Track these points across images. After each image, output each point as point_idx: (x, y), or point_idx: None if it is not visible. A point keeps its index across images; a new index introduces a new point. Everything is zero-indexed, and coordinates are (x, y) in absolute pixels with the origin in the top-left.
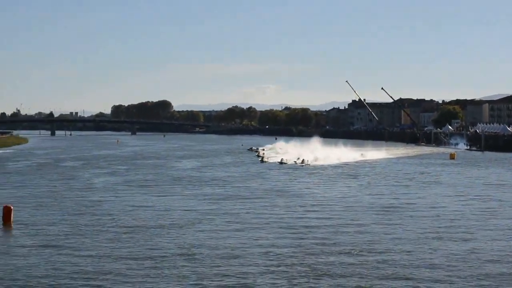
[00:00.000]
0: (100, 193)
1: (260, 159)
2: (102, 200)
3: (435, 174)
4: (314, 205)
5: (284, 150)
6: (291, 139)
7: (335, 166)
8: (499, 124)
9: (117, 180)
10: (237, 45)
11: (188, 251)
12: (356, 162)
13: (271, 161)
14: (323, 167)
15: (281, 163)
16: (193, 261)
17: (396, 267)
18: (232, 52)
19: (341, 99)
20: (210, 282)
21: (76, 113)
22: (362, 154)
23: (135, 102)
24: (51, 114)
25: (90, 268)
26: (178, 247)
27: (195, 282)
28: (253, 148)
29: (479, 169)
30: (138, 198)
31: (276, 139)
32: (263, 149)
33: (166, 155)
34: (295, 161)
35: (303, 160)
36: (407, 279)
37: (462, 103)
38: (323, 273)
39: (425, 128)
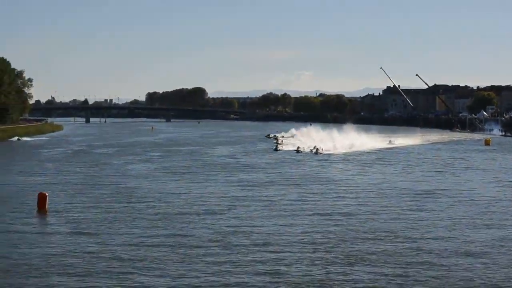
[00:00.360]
0: (135, 180)
1: (274, 147)
2: (137, 187)
3: (470, 160)
4: (348, 191)
5: (307, 137)
6: (325, 126)
7: (359, 154)
8: None
9: (151, 167)
10: (272, 31)
11: (223, 237)
12: (384, 149)
13: (287, 149)
14: (346, 155)
15: (297, 151)
16: (228, 248)
17: (431, 254)
18: (267, 39)
19: (376, 85)
20: (244, 268)
21: (111, 100)
22: (390, 141)
23: (170, 89)
24: (85, 101)
25: (124, 255)
26: (213, 234)
27: (230, 269)
28: (271, 135)
29: None
30: (172, 185)
31: (310, 124)
32: (282, 136)
33: (200, 142)
34: (311, 150)
35: (317, 149)
36: (442, 266)
37: (497, 89)
38: (358, 260)
39: (460, 114)
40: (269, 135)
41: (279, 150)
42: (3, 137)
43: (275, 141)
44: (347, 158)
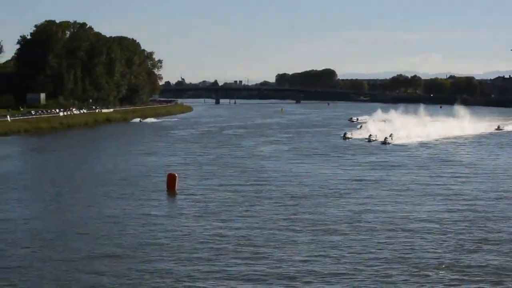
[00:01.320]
0: (263, 161)
1: (343, 135)
2: (265, 168)
3: None
4: (477, 175)
5: (394, 123)
6: (453, 108)
7: (433, 144)
8: None
9: (280, 148)
10: (401, 12)
11: (351, 219)
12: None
13: (357, 137)
14: (414, 146)
15: (369, 140)
16: (356, 230)
17: None
18: (397, 20)
19: (506, 68)
20: (374, 249)
21: (241, 81)
22: (499, 127)
23: (300, 71)
24: (215, 82)
25: (254, 236)
26: (342, 216)
27: (359, 251)
28: (353, 118)
29: None
30: (301, 166)
31: (441, 107)
32: (365, 121)
33: (330, 124)
34: (386, 138)
35: (385, 138)
36: None
37: None
38: (489, 242)
39: None
40: (351, 118)
41: (348, 138)
42: (126, 118)
43: (359, 126)
44: (412, 149)
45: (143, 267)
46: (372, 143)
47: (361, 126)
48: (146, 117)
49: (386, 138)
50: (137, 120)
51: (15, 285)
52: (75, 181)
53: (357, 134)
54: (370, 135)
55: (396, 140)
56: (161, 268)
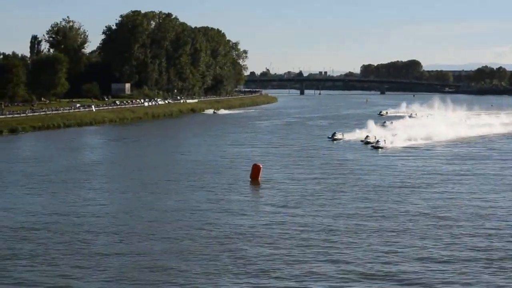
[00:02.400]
0: (346, 152)
1: (331, 136)
2: (347, 159)
3: None
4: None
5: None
6: None
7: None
8: None
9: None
10: (488, 2)
11: (435, 211)
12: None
13: (349, 138)
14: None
15: (366, 142)
16: (441, 221)
17: None
18: (481, 11)
19: None
20: (460, 241)
21: (325, 72)
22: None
23: (385, 62)
24: (300, 73)
25: (337, 227)
26: (425, 207)
27: (446, 242)
28: (383, 112)
29: None
30: (384, 158)
31: None
32: (386, 111)
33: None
34: (378, 142)
35: (377, 141)
36: None
37: None
38: None
39: None
40: (381, 112)
41: (338, 139)
42: (201, 109)
43: (383, 122)
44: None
45: (226, 255)
46: (367, 146)
47: (384, 122)
48: (231, 108)
49: (378, 141)
50: (211, 111)
51: (96, 272)
52: (159, 171)
53: (350, 135)
54: (368, 136)
55: (396, 142)
56: (244, 257)
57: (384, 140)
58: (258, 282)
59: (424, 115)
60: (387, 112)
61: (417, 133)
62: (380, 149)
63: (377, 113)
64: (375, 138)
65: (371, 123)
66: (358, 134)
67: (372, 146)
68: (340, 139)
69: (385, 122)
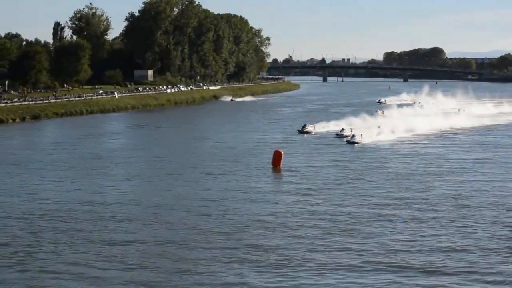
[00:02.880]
0: (313, 149)
1: (301, 128)
2: (369, 147)
3: None
4: None
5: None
6: None
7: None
8: None
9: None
10: None
11: (455, 199)
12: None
13: (319, 130)
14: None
15: (340, 136)
16: (461, 209)
17: None
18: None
19: None
20: (479, 230)
21: (348, 59)
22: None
23: (407, 49)
24: (323, 60)
25: (357, 214)
26: (448, 195)
27: (462, 229)
28: (382, 100)
29: None
30: (408, 146)
31: None
32: (385, 99)
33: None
34: (354, 136)
35: (353, 135)
36: None
37: None
38: None
39: None
40: (380, 100)
41: (307, 132)
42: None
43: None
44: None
45: (247, 243)
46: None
47: (376, 111)
48: (254, 94)
49: (354, 135)
50: (228, 99)
51: (117, 260)
52: (180, 158)
53: (320, 127)
54: (343, 129)
55: (375, 137)
56: (264, 245)
57: (361, 134)
58: (279, 272)
59: (429, 103)
60: (385, 101)
61: (401, 125)
62: (355, 145)
63: (376, 100)
64: (351, 132)
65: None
66: (333, 126)
67: (347, 141)
68: (311, 132)
69: (376, 111)
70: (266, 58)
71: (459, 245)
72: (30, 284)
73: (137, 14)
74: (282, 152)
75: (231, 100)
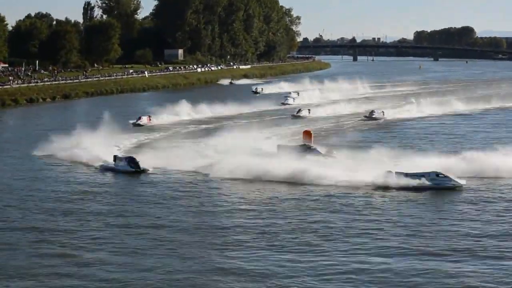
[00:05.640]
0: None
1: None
2: (398, 125)
3: None
4: None
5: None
6: None
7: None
8: None
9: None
10: None
11: None
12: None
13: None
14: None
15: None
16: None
17: None
18: None
19: None
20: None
21: (379, 38)
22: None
23: (438, 28)
24: (353, 39)
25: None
26: None
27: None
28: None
29: None
30: (435, 127)
31: None
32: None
33: (471, 80)
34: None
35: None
36: None
37: None
38: None
39: None
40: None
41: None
42: (264, 75)
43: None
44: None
45: (272, 221)
46: None
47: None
48: (284, 73)
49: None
50: (228, 82)
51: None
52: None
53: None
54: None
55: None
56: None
57: None
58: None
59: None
60: (262, 89)
61: None
62: None
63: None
64: None
65: None
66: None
67: None
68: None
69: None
70: (296, 37)
71: None
72: None
73: None
74: (311, 132)
75: (230, 83)
